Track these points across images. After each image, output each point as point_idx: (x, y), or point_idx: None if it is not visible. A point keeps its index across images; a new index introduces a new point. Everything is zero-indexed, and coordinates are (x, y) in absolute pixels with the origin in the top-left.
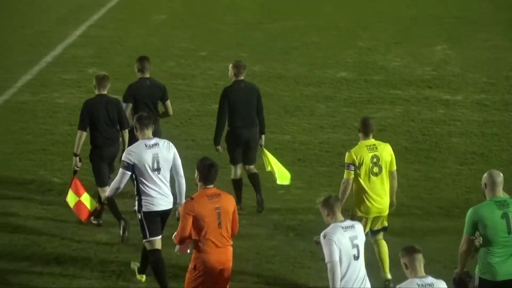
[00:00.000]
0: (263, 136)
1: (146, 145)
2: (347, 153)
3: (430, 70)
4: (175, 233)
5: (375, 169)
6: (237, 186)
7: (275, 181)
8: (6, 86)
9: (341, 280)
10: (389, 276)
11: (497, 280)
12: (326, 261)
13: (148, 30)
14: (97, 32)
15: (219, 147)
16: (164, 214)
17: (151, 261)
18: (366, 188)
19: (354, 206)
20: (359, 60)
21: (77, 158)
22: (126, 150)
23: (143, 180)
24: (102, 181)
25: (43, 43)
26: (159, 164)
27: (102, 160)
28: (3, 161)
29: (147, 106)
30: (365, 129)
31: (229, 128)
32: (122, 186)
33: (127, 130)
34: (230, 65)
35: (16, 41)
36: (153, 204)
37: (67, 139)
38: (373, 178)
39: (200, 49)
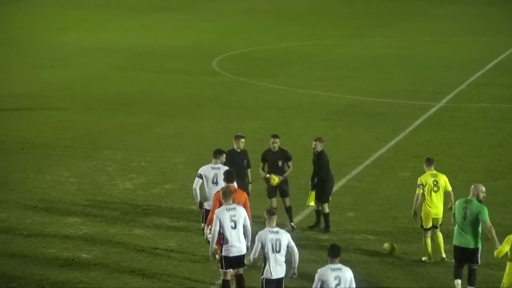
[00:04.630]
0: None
1: (212, 167)
2: (419, 178)
3: None
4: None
5: (435, 189)
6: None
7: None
8: None
9: (222, 243)
10: (443, 255)
11: (454, 244)
12: (212, 228)
13: (396, 184)
14: (355, 184)
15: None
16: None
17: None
18: (428, 200)
19: (420, 213)
20: None
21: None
22: (200, 169)
23: (207, 189)
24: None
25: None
26: (217, 179)
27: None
28: None
29: (275, 164)
30: (429, 163)
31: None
32: (198, 188)
33: (249, 170)
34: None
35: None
36: (209, 205)
37: None
38: (433, 194)
39: None
